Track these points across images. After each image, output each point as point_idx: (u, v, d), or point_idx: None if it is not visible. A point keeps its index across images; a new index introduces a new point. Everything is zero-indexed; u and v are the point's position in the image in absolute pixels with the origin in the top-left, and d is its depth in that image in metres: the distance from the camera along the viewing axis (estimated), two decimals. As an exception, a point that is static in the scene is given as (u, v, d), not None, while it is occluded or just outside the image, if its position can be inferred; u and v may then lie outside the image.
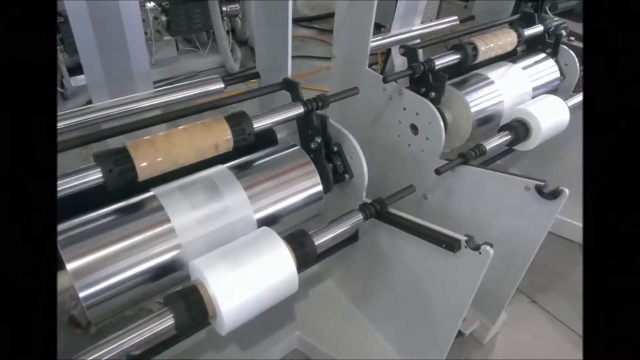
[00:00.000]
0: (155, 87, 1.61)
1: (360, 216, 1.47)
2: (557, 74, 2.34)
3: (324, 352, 1.86)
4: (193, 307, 1.08)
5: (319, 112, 1.59)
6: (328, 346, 1.87)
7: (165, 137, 1.26)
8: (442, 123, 1.80)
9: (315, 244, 1.32)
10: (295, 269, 1.21)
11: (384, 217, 1.54)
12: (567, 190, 1.57)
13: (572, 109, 2.07)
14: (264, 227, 1.29)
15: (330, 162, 1.63)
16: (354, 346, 1.87)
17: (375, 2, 1.91)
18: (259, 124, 1.42)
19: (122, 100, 1.54)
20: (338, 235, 1.41)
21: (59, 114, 1.39)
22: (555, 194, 1.58)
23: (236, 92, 1.63)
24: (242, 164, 1.48)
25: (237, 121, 1.37)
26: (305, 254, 1.28)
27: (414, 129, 1.92)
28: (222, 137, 1.34)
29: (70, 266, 1.10)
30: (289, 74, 1.71)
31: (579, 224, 2.61)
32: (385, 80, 1.86)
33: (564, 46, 2.39)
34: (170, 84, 1.71)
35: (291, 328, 1.94)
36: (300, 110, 1.54)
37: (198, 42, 4.46)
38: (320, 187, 1.54)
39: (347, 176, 1.65)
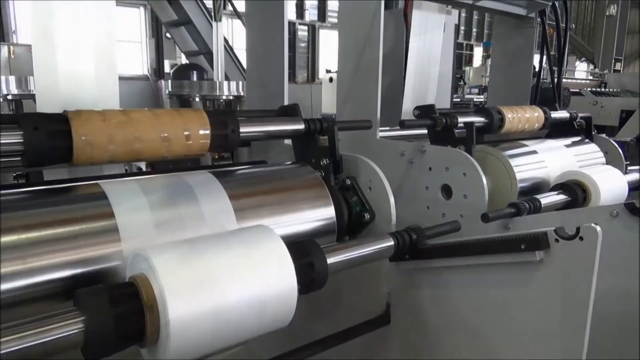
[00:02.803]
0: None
1: (390, 242, 1.15)
2: (603, 159, 2.18)
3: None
4: (121, 306, 0.75)
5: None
6: None
7: (122, 112, 1.05)
8: (480, 171, 1.53)
9: (328, 262, 1.00)
10: (295, 281, 0.90)
11: (424, 250, 1.20)
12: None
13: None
14: (260, 225, 1.02)
15: (345, 202, 1.33)
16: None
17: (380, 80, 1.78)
18: (249, 129, 1.25)
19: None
20: (358, 258, 1.10)
21: None
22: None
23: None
24: (231, 170, 1.30)
25: (219, 113, 1.19)
26: (309, 266, 0.96)
27: (446, 191, 1.65)
28: (197, 127, 1.11)
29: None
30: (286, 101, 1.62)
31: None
32: (402, 125, 1.68)
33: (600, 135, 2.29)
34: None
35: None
36: (300, 126, 1.35)
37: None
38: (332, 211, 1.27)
39: (366, 215, 1.33)
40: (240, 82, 4.28)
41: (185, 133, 1.14)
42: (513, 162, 1.83)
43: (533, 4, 2.57)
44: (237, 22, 11.35)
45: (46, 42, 1.38)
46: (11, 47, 7.91)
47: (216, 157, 2.67)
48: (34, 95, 3.28)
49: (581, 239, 0.98)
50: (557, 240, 1.02)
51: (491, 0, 2.38)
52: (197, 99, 4.22)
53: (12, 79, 3.27)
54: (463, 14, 16.57)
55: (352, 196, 1.37)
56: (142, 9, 11.34)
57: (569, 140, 2.21)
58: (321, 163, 1.36)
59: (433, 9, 2.58)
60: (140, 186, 1.06)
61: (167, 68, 10.98)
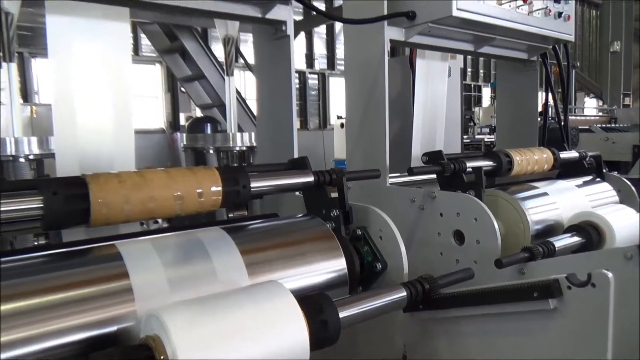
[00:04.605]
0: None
1: (403, 292, 1.13)
2: (616, 198, 2.17)
3: None
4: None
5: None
6: None
7: (137, 173, 1.09)
8: (491, 216, 1.53)
9: (340, 315, 0.99)
10: (307, 338, 0.89)
11: (437, 300, 1.18)
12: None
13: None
14: (271, 281, 1.04)
15: (357, 252, 1.33)
16: None
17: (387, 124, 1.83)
18: (259, 184, 1.28)
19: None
20: (371, 311, 1.08)
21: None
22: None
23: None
24: (242, 225, 1.32)
25: (230, 170, 1.22)
26: (322, 324, 0.94)
27: (459, 237, 1.65)
28: (209, 184, 1.15)
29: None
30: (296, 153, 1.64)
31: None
32: (410, 172, 1.70)
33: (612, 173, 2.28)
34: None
35: None
36: (309, 178, 1.38)
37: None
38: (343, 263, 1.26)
39: (378, 265, 1.34)
40: (253, 133, 4.38)
41: (198, 190, 1.17)
42: (524, 205, 1.82)
43: (534, 49, 2.62)
44: (249, 74, 11.70)
45: (66, 100, 1.45)
46: (33, 107, 8.21)
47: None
48: (53, 154, 3.39)
49: (593, 285, 0.97)
50: (569, 288, 1.01)
51: (492, 46, 2.43)
52: (211, 151, 4.31)
53: (34, 139, 3.38)
54: (469, 56, 16.88)
55: (364, 246, 1.37)
56: (158, 65, 11.77)
57: (580, 180, 2.20)
58: (331, 214, 1.38)
59: (436, 57, 2.65)
60: (154, 245, 1.08)
61: (182, 120, 11.27)
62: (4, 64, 3.53)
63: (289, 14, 1.74)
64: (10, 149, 3.22)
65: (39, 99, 10.16)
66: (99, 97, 1.50)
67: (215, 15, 1.63)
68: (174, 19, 6.82)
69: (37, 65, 10.25)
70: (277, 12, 1.70)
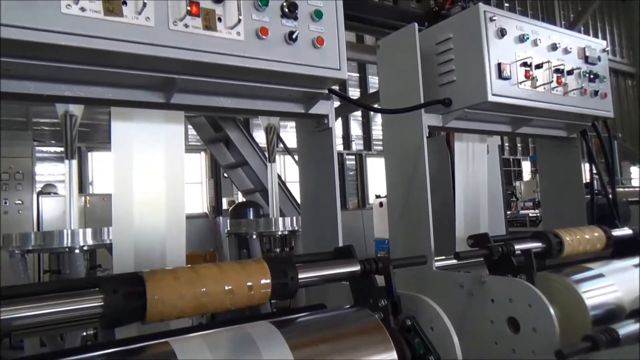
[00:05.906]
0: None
1: None
2: None
3: None
4: None
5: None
6: None
7: (191, 269, 1.13)
8: (546, 301, 1.48)
9: None
10: None
11: None
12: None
13: None
14: None
15: (408, 344, 1.29)
16: None
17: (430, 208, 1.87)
18: (306, 275, 1.29)
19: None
20: None
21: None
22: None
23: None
24: (291, 319, 1.32)
25: (279, 262, 1.24)
26: None
27: (513, 325, 1.58)
28: (258, 278, 1.18)
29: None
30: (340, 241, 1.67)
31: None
32: (457, 257, 1.70)
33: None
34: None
35: None
36: (356, 267, 1.39)
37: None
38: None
39: (431, 358, 1.28)
40: (295, 217, 4.44)
41: (248, 284, 1.20)
42: (580, 288, 1.73)
43: (572, 126, 2.62)
44: (289, 157, 12.07)
45: (125, 194, 1.54)
46: (87, 197, 8.66)
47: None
48: (106, 244, 3.54)
49: None
50: None
51: (529, 127, 2.45)
52: (254, 236, 4.37)
53: (89, 231, 3.55)
54: (505, 132, 16.79)
55: (414, 338, 1.33)
56: (202, 153, 12.36)
57: (636, 259, 2.07)
58: (379, 304, 1.36)
59: (474, 138, 2.68)
60: (206, 342, 1.10)
61: (224, 205, 11.59)
62: (66, 161, 3.81)
63: (331, 108, 1.83)
64: (66, 241, 3.41)
65: (92, 190, 10.74)
66: (155, 190, 1.60)
67: (263, 113, 1.73)
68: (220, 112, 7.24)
69: (92, 158, 10.96)
70: (320, 107, 1.79)
